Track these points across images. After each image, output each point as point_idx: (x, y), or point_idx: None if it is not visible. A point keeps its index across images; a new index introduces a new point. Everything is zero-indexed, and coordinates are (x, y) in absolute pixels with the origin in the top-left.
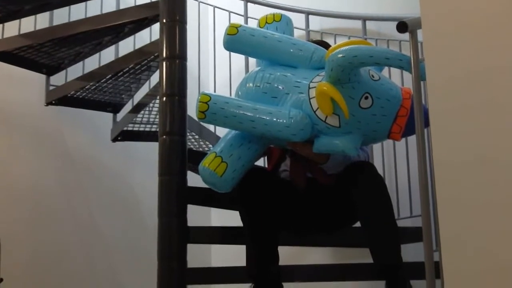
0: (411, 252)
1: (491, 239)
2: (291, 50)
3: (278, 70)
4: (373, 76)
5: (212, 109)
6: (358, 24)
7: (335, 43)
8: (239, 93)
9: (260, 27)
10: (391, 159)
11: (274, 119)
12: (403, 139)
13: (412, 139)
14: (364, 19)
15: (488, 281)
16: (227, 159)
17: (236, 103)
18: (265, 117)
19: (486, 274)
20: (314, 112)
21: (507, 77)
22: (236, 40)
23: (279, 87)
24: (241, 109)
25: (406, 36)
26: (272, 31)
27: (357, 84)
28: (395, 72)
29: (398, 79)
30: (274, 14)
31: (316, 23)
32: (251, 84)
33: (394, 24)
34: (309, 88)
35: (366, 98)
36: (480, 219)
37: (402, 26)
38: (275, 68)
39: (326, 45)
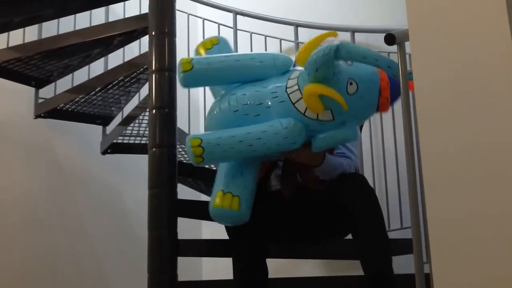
0: (401, 264)
1: (482, 251)
2: (253, 64)
3: (247, 88)
4: (346, 62)
5: (208, 149)
6: (347, 36)
7: None
8: (213, 123)
9: (200, 54)
10: (381, 170)
11: (271, 135)
12: (393, 155)
13: (402, 150)
14: (353, 31)
15: None
16: (237, 191)
17: (228, 134)
18: (261, 137)
19: (477, 286)
20: (303, 114)
21: (491, 83)
22: (193, 75)
23: (258, 103)
24: (235, 138)
25: (394, 48)
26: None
27: (339, 74)
28: None
29: None
30: (211, 39)
31: (305, 35)
32: (227, 111)
33: (382, 36)
34: (288, 94)
35: (351, 84)
36: (471, 230)
37: (390, 38)
38: (243, 87)
39: None
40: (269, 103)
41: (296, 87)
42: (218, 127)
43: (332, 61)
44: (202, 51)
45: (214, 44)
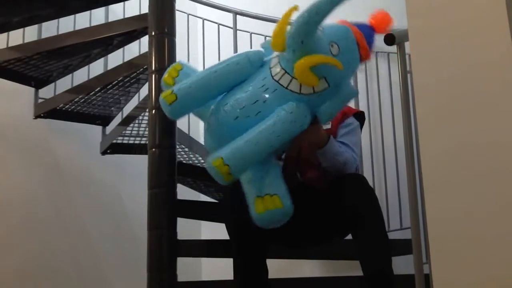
0: (401, 265)
1: (482, 251)
2: (231, 69)
3: (236, 93)
4: (318, 29)
5: (233, 163)
6: None
7: None
8: (215, 138)
9: (170, 85)
10: (381, 171)
11: (281, 125)
12: (393, 155)
13: (401, 151)
14: None
15: None
16: (272, 190)
17: (243, 141)
18: (274, 130)
19: (477, 287)
20: (300, 93)
21: (490, 83)
22: (181, 103)
23: (253, 102)
24: (251, 142)
25: (394, 48)
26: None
27: (319, 41)
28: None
29: (387, 94)
30: (173, 66)
31: None
32: (227, 121)
33: (382, 36)
34: (277, 81)
35: (332, 46)
36: (471, 231)
37: (390, 38)
38: (231, 94)
39: None
40: (264, 96)
41: (282, 71)
42: (222, 140)
43: (313, 26)
44: (170, 82)
45: (179, 70)
